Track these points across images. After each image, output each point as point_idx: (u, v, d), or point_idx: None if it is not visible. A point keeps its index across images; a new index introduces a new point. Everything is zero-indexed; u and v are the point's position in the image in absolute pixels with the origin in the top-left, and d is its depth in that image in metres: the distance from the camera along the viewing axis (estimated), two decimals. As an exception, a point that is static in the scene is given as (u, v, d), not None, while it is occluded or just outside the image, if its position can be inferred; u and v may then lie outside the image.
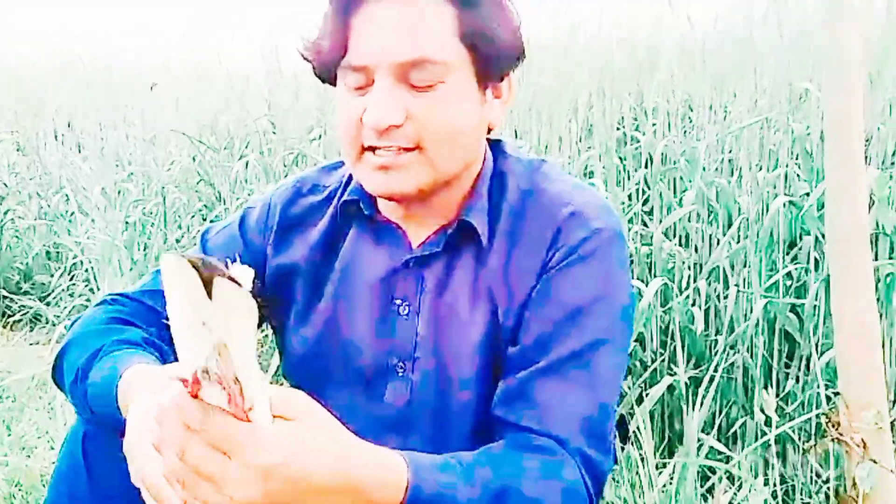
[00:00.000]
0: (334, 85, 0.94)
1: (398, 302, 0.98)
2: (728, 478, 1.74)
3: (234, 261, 0.63)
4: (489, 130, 0.98)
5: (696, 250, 2.28)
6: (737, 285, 2.09)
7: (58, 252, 3.70)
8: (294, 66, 3.74)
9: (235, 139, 3.63)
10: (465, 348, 0.96)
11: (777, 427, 1.58)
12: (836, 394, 1.50)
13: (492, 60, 0.91)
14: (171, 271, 0.56)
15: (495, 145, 1.03)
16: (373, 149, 0.89)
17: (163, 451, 0.66)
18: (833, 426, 1.39)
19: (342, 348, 1.01)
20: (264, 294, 1.06)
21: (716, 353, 2.00)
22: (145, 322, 1.01)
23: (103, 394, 0.88)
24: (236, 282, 0.54)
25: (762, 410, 1.46)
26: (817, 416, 1.63)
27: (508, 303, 0.94)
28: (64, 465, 0.96)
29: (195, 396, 0.63)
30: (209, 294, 0.54)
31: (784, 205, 2.04)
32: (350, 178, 1.04)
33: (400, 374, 0.98)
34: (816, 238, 2.01)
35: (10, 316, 3.44)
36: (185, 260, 0.54)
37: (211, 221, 3.28)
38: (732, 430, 1.95)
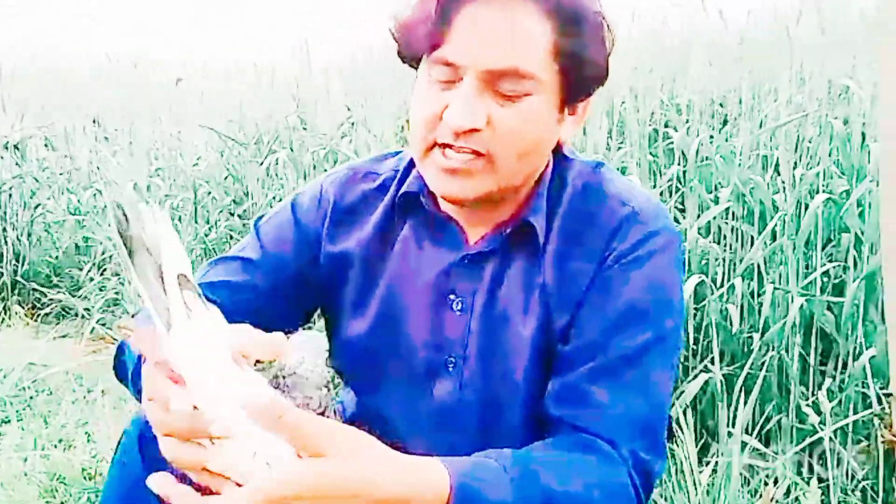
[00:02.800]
0: (415, 67, 0.93)
1: (452, 298, 0.98)
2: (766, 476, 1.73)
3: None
4: (557, 145, 0.97)
5: (730, 248, 2.27)
6: (773, 282, 2.07)
7: (87, 246, 3.73)
8: (324, 61, 3.75)
9: (263, 135, 3.64)
10: (517, 346, 0.96)
11: (823, 427, 1.57)
12: (888, 395, 1.48)
13: (579, 83, 0.90)
14: None
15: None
16: (443, 147, 0.88)
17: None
18: (887, 427, 1.38)
19: (395, 343, 1.00)
20: (320, 281, 1.05)
21: (751, 352, 1.99)
22: None
23: None
24: None
25: (815, 410, 1.44)
26: (869, 417, 1.61)
27: (562, 301, 0.94)
28: (116, 471, 0.95)
29: None
30: None
31: (823, 202, 2.02)
32: (407, 169, 1.04)
33: (450, 370, 0.98)
34: (856, 236, 1.99)
35: (39, 309, 3.48)
36: None
37: (239, 217, 3.29)
38: (766, 428, 1.94)
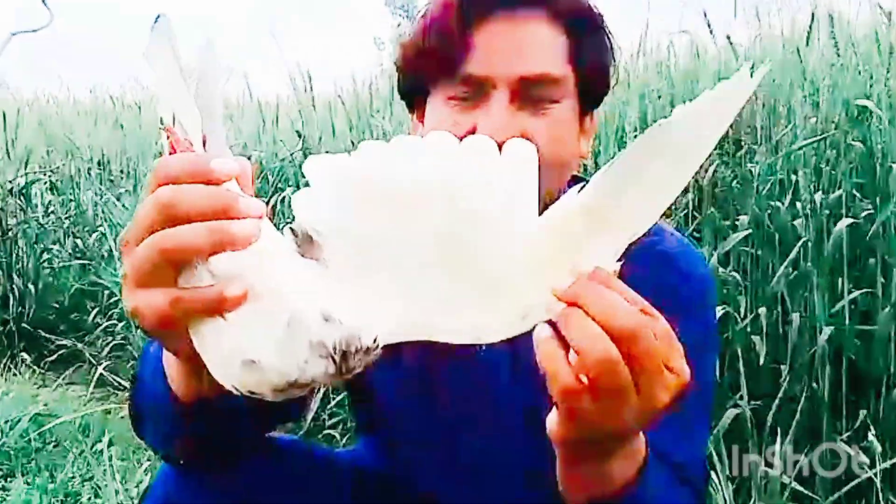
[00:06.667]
0: (416, 101, 0.91)
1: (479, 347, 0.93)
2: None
3: None
4: None
5: (751, 277, 2.20)
6: (798, 311, 2.01)
7: (93, 291, 3.68)
8: (326, 93, 3.72)
9: (268, 172, 3.60)
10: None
11: (868, 468, 1.50)
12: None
13: (592, 90, 0.89)
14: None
15: None
16: None
17: None
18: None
19: (426, 400, 0.95)
20: None
21: (780, 385, 1.92)
22: None
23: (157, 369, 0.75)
24: None
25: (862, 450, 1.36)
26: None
27: None
28: None
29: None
30: None
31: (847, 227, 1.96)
32: None
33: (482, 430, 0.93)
34: (883, 260, 1.93)
35: (46, 356, 3.41)
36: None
37: (247, 256, 3.24)
38: (798, 464, 1.86)
